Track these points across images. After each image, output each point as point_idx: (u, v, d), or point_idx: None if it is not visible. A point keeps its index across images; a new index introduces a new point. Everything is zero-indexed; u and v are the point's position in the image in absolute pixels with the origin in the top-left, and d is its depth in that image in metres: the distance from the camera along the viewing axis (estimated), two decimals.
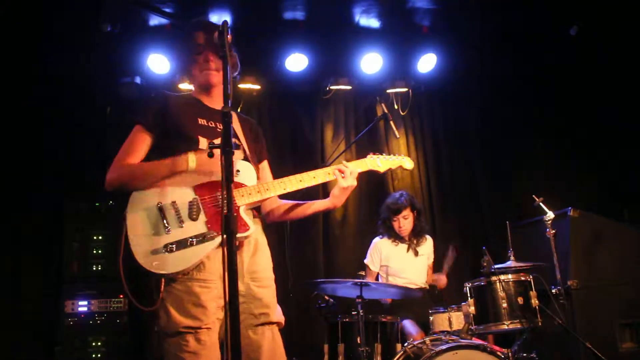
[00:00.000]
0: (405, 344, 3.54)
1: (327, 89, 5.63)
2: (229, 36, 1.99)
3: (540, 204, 4.09)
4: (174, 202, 2.25)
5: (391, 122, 3.80)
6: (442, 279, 4.74)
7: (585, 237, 4.47)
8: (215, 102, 2.52)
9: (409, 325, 4.20)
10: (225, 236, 1.75)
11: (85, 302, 4.34)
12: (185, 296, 2.18)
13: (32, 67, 4.85)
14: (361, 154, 2.92)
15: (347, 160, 2.74)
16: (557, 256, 4.01)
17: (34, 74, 4.89)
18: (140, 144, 2.39)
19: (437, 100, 6.06)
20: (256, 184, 2.41)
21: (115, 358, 4.31)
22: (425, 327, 4.06)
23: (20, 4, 4.41)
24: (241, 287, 2.28)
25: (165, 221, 2.21)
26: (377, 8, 5.04)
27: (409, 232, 4.73)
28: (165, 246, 2.16)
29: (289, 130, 5.70)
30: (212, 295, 2.21)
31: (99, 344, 4.30)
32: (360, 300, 3.61)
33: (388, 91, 5.78)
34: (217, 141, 1.84)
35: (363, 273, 3.74)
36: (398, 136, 4.21)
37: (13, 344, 4.45)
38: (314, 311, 4.06)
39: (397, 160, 2.85)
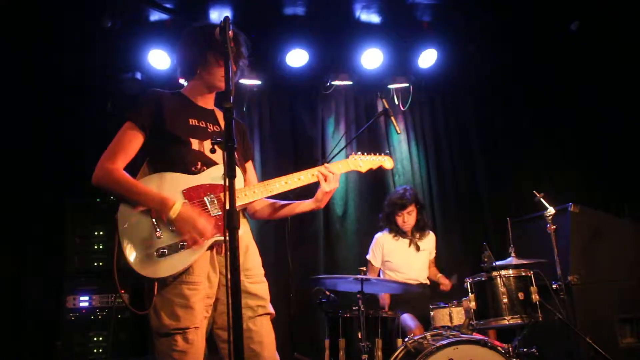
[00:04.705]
0: (406, 339, 3.54)
1: (328, 84, 5.62)
2: (230, 32, 2.01)
3: (541, 199, 4.10)
4: None
5: (392, 118, 3.78)
6: (447, 284, 4.65)
7: (585, 232, 4.48)
8: (208, 102, 2.54)
9: (407, 319, 4.21)
10: (228, 231, 1.76)
11: (87, 297, 4.34)
12: (175, 299, 2.20)
13: (31, 62, 4.84)
14: (362, 149, 2.91)
15: (347, 156, 2.73)
16: (557, 252, 4.02)
17: (33, 69, 4.88)
18: (131, 142, 2.34)
19: (438, 95, 6.05)
20: (243, 187, 2.40)
21: (117, 353, 4.31)
22: (426, 322, 4.07)
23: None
24: None
25: (156, 226, 2.22)
26: (378, 3, 5.02)
27: (412, 228, 4.73)
28: (157, 250, 2.18)
29: (290, 126, 5.70)
30: (201, 297, 2.25)
31: (100, 339, 4.30)
32: (361, 295, 3.61)
33: (389, 87, 5.79)
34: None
35: (364, 269, 3.73)
36: (399, 132, 4.22)
37: (14, 339, 4.46)
38: (315, 306, 4.06)
39: (377, 160, 2.90)
